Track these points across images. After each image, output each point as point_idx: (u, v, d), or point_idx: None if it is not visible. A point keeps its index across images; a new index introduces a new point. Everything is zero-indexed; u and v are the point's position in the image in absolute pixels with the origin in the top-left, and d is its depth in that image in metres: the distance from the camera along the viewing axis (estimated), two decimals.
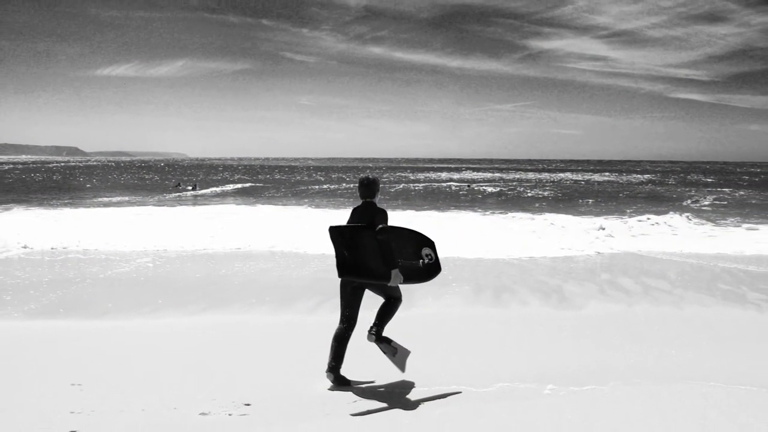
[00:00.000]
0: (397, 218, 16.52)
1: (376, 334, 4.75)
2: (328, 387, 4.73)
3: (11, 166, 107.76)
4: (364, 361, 5.30)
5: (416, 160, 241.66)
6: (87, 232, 14.48)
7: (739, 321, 7.30)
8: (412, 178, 63.98)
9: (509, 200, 32.51)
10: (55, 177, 60.13)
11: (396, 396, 4.60)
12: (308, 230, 14.76)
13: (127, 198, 32.12)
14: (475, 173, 77.73)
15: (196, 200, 31.50)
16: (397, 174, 75.11)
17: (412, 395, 4.63)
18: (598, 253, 12.96)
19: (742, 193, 38.07)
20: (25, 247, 12.65)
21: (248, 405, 4.35)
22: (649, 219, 19.16)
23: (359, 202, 4.91)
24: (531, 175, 70.44)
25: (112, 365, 5.29)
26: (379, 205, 4.79)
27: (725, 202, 30.20)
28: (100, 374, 5.03)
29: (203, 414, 4.17)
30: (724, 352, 5.93)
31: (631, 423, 3.99)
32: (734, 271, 10.70)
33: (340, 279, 4.80)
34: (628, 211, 24.35)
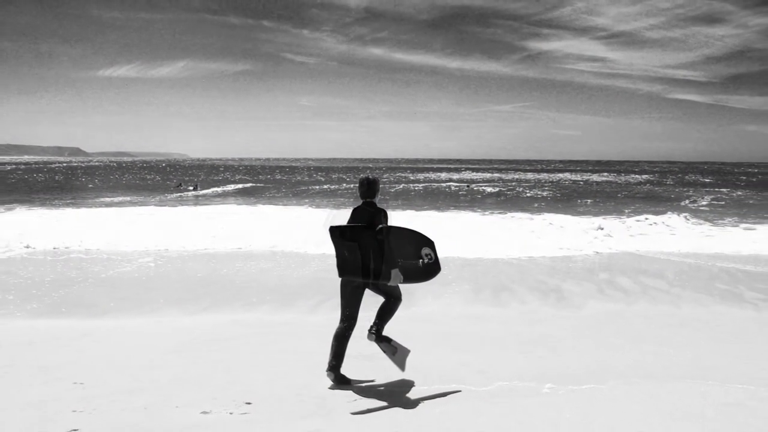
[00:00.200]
0: (397, 218, 16.53)
1: (376, 333, 4.77)
2: (329, 386, 4.75)
3: (14, 166, 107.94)
4: (364, 360, 5.34)
5: (416, 161, 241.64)
6: (89, 232, 14.52)
7: (736, 320, 7.34)
8: (411, 178, 63.97)
9: (508, 200, 32.54)
10: (57, 177, 60.15)
11: (396, 395, 4.62)
12: (309, 230, 14.79)
13: (128, 198, 32.15)
14: (474, 173, 77.70)
15: (197, 200, 31.53)
16: (397, 174, 75.08)
17: (412, 394, 4.65)
18: (597, 252, 13.00)
19: (739, 193, 38.11)
20: (27, 246, 12.69)
21: (249, 404, 4.37)
22: (647, 219, 19.17)
23: (359, 202, 4.93)
24: (530, 176, 70.42)
25: (114, 364, 5.31)
26: (379, 205, 4.81)
27: (723, 202, 30.23)
28: (102, 373, 5.05)
29: (204, 413, 4.19)
30: (722, 351, 5.96)
31: (629, 422, 4.00)
32: (732, 270, 10.73)
33: (340, 278, 4.84)
34: (626, 211, 24.39)
